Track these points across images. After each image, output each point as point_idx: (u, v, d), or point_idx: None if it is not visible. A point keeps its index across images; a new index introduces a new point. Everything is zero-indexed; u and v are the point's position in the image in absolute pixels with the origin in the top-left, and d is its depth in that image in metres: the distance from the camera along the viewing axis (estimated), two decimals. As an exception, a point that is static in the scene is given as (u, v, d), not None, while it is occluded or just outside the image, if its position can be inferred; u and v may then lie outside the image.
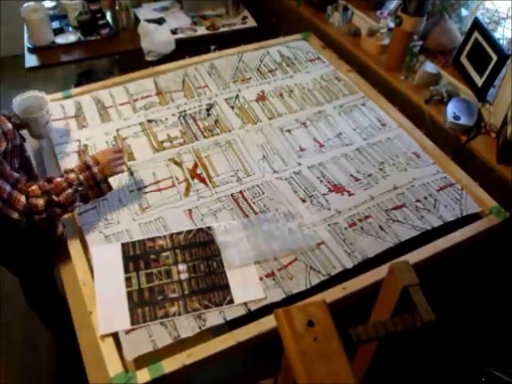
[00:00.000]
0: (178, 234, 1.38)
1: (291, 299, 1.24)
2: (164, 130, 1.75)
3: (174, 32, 2.64)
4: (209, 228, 1.40)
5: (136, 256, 1.32)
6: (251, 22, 2.78)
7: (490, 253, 1.53)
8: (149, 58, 2.52)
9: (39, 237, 1.40)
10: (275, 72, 2.03)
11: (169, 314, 1.20)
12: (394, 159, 1.65)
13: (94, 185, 1.32)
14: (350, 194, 1.52)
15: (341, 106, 1.86)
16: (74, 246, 1.36)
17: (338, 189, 1.54)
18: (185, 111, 1.82)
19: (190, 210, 1.47)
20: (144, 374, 1.09)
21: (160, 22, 2.70)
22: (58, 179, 1.27)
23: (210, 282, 1.27)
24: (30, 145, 1.65)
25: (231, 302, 1.23)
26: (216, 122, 1.79)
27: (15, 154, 1.30)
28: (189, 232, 1.39)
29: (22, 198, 1.18)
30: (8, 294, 2.18)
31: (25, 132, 1.57)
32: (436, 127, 1.77)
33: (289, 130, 1.75)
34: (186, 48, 2.43)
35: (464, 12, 1.99)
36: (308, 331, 0.71)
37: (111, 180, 1.39)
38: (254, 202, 1.49)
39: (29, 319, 2.12)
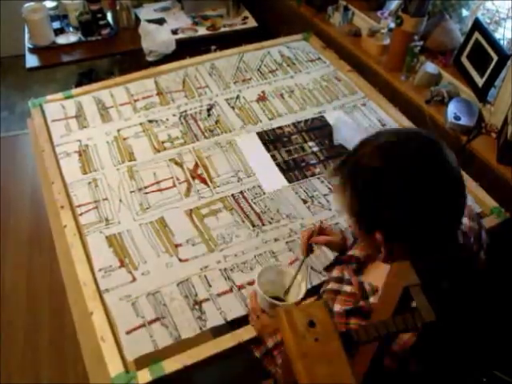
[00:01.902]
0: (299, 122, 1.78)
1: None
2: (165, 130, 1.75)
3: (174, 32, 2.64)
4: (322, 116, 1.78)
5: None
6: (252, 23, 2.78)
7: (489, 253, 1.53)
8: (150, 59, 2.53)
9: None
10: (276, 72, 2.03)
11: (315, 174, 1.58)
12: (395, 159, 1.65)
13: None
14: (351, 195, 1.52)
15: (341, 107, 1.86)
16: (75, 246, 1.36)
17: (338, 189, 1.54)
18: (185, 111, 1.82)
19: (190, 210, 1.47)
20: (145, 375, 1.09)
21: (161, 22, 2.71)
22: None
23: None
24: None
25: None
26: (217, 122, 1.79)
27: None
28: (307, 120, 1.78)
29: None
30: (8, 293, 2.19)
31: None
32: (436, 127, 1.77)
33: (289, 131, 1.75)
34: (187, 48, 2.43)
35: (464, 12, 1.99)
36: (309, 332, 0.71)
37: (112, 179, 1.38)
38: (254, 203, 1.49)
39: (29, 318, 2.13)
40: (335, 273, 0.98)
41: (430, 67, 1.89)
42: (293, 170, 1.61)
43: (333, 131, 1.73)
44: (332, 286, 0.96)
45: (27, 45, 2.54)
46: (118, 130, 1.73)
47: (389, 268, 0.79)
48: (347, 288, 0.91)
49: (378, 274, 0.88)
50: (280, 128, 1.75)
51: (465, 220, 0.92)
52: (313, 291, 1.26)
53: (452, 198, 0.77)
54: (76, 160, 1.62)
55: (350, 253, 1.01)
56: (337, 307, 0.90)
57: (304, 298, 1.11)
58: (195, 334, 1.17)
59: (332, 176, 0.83)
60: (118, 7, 2.65)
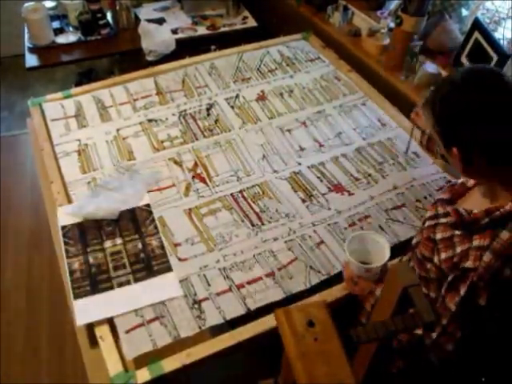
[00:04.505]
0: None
1: (291, 299, 1.24)
2: (164, 129, 1.75)
3: (174, 32, 2.64)
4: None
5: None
6: (251, 22, 2.78)
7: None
8: (149, 58, 2.52)
9: None
10: (275, 72, 2.02)
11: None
12: (394, 159, 1.65)
13: None
14: (350, 194, 1.53)
15: (341, 106, 1.86)
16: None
17: (337, 188, 1.54)
18: (185, 111, 1.82)
19: (189, 210, 1.47)
20: (144, 374, 1.09)
21: (160, 21, 2.70)
22: None
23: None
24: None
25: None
26: (216, 121, 1.79)
27: None
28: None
29: None
30: (8, 293, 2.19)
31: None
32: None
33: (289, 130, 1.75)
34: (187, 48, 2.43)
35: (464, 12, 1.99)
36: (308, 331, 0.71)
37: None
38: (253, 202, 1.49)
39: (29, 318, 2.13)
40: (429, 213, 1.10)
41: (430, 67, 1.89)
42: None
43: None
44: (429, 223, 1.08)
45: (27, 44, 2.54)
46: (118, 130, 1.73)
47: (477, 194, 1.00)
48: (443, 220, 1.03)
49: (469, 203, 1.03)
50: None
51: None
52: (312, 291, 1.27)
53: None
54: (75, 159, 1.62)
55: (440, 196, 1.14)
56: (438, 235, 1.02)
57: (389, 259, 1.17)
58: (194, 333, 1.17)
59: (423, 106, 1.00)
60: (117, 7, 2.64)
